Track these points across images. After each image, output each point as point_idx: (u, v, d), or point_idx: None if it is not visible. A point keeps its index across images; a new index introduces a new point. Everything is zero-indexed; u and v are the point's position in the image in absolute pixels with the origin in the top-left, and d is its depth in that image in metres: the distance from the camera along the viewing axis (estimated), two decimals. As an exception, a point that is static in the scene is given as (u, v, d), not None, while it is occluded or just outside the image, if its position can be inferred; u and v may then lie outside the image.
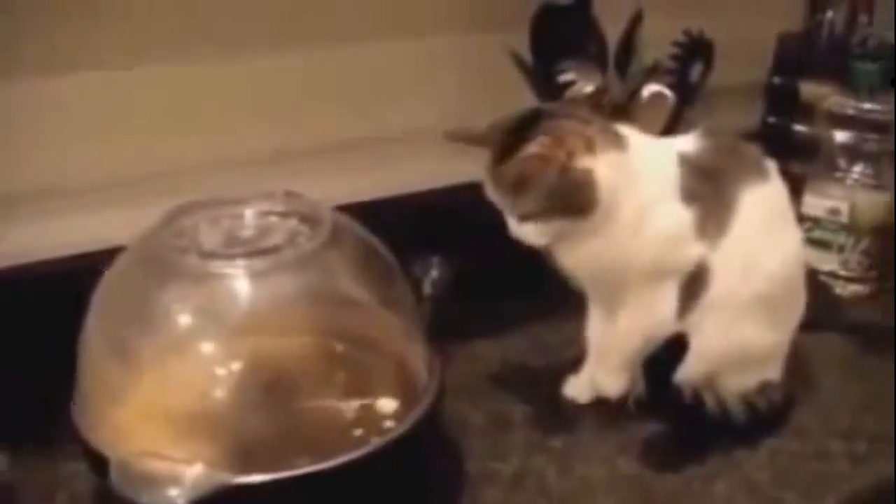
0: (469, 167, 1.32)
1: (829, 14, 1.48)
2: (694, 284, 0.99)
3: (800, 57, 1.48)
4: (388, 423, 0.87)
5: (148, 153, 1.14)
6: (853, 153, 1.31)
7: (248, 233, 0.93)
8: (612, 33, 1.28)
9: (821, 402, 1.09)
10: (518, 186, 0.95)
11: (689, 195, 0.97)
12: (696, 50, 1.29)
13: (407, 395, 0.91)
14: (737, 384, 1.03)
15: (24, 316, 1.02)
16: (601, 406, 1.08)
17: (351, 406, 0.89)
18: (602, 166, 0.94)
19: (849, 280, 1.33)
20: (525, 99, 1.27)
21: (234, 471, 0.78)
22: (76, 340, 0.89)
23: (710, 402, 1.02)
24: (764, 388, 1.04)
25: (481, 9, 1.31)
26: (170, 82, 1.14)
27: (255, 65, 1.19)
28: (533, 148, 0.92)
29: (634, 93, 1.25)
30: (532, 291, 1.30)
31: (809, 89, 1.41)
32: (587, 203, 0.94)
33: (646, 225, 0.96)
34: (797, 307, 1.05)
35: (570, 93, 1.23)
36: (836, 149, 1.31)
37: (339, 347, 0.93)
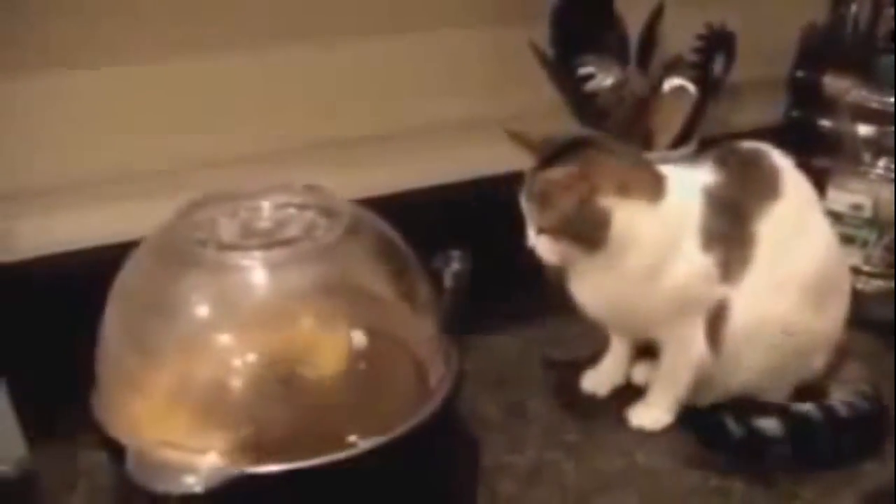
0: (489, 161, 1.33)
1: (854, 7, 1.46)
2: (716, 319, 0.99)
3: (823, 50, 1.46)
4: (407, 415, 0.86)
5: (166, 147, 1.15)
6: (877, 147, 1.29)
7: (265, 225, 0.93)
8: (634, 26, 1.28)
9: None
10: (542, 200, 0.96)
11: (711, 238, 0.97)
12: (719, 43, 1.28)
13: (424, 388, 0.91)
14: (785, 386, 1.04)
15: (43, 308, 1.02)
16: (619, 399, 1.08)
17: (366, 397, 0.89)
18: (625, 211, 0.94)
19: (872, 276, 1.31)
20: (546, 92, 1.27)
21: (249, 461, 0.79)
22: (95, 332, 0.89)
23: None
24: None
25: (502, 1, 1.31)
26: (184, 77, 1.15)
27: (275, 59, 1.19)
28: (558, 173, 0.94)
29: (656, 86, 1.25)
30: (551, 285, 1.30)
31: (833, 83, 1.40)
32: (597, 239, 0.95)
33: (663, 273, 0.96)
34: (841, 293, 1.05)
35: (589, 86, 1.23)
36: (859, 143, 1.30)
37: (356, 339, 0.93)
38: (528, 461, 0.98)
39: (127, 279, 0.90)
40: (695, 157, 1.04)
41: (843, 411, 1.00)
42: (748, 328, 0.99)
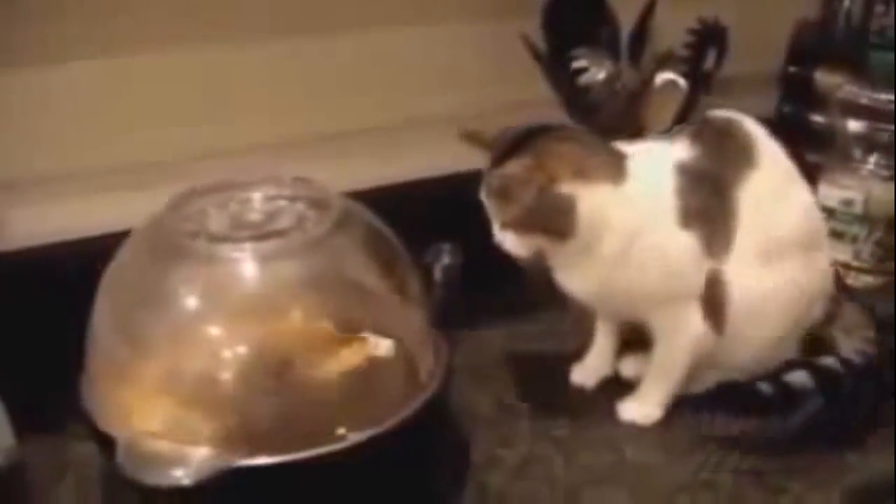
0: (481, 155, 1.33)
1: (846, 2, 1.47)
2: (714, 297, 0.99)
3: (815, 46, 1.47)
4: (396, 408, 0.87)
5: (157, 139, 1.14)
6: (868, 143, 1.30)
7: (255, 217, 0.93)
8: (626, 20, 1.28)
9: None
10: (501, 195, 0.96)
11: (690, 216, 0.96)
12: (710, 38, 1.29)
13: (413, 381, 0.91)
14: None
15: (33, 298, 1.02)
16: (609, 393, 1.08)
17: (356, 390, 0.89)
18: (589, 195, 0.93)
19: (861, 271, 1.32)
20: (539, 86, 1.27)
21: (239, 453, 0.79)
22: (85, 323, 0.89)
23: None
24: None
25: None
26: (180, 69, 1.15)
27: (266, 52, 1.19)
28: (513, 166, 0.93)
29: (647, 80, 1.25)
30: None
31: (825, 78, 1.40)
32: (565, 227, 0.94)
33: (644, 254, 0.96)
34: (824, 245, 1.07)
35: (582, 80, 1.23)
36: (850, 139, 1.30)
37: (347, 333, 0.93)
38: (518, 455, 0.98)
39: (117, 270, 0.90)
40: (671, 135, 1.03)
41: (858, 360, 1.02)
42: (748, 300, 0.99)
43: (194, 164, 1.12)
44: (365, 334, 0.92)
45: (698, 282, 0.98)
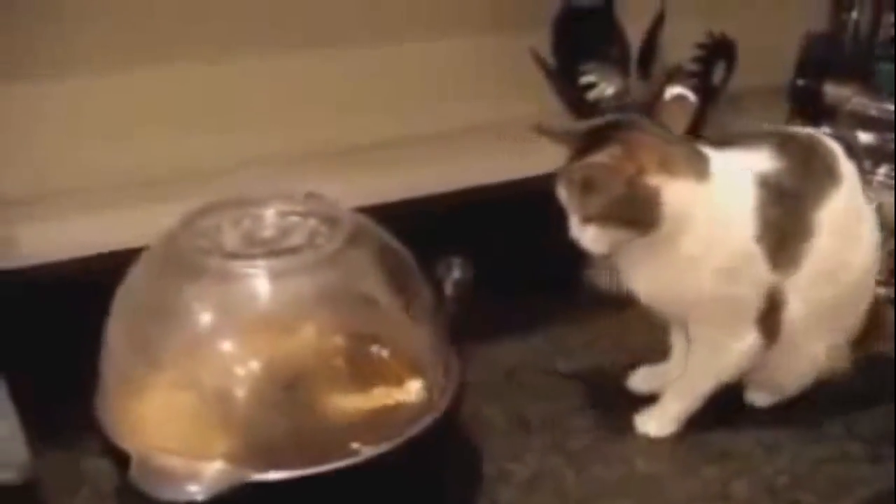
0: (492, 169, 1.34)
1: (854, 15, 1.47)
2: (771, 313, 0.98)
3: (824, 58, 1.47)
4: (408, 423, 0.87)
5: (168, 155, 1.15)
6: (878, 154, 1.30)
7: (268, 233, 0.93)
8: (635, 35, 1.29)
9: (842, 404, 1.08)
10: (585, 187, 0.94)
11: (765, 230, 0.95)
12: (719, 52, 1.29)
13: (425, 396, 0.91)
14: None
15: (48, 314, 1.03)
16: (620, 407, 1.08)
17: (369, 406, 0.89)
18: (673, 188, 0.92)
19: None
20: (549, 100, 1.27)
21: (252, 468, 0.79)
22: (99, 339, 0.90)
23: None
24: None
25: (504, 10, 1.31)
26: (193, 83, 1.15)
27: (277, 66, 1.20)
28: (603, 157, 0.91)
29: (657, 95, 1.25)
30: (554, 293, 1.31)
31: (833, 91, 1.41)
32: (650, 219, 0.93)
33: (715, 261, 0.95)
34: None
35: (591, 94, 1.24)
36: (860, 150, 1.30)
37: (358, 348, 0.93)
38: (529, 469, 0.98)
39: (131, 286, 0.91)
40: (748, 142, 1.00)
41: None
42: (806, 315, 0.99)
43: (207, 179, 1.13)
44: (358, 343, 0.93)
45: (759, 297, 0.97)
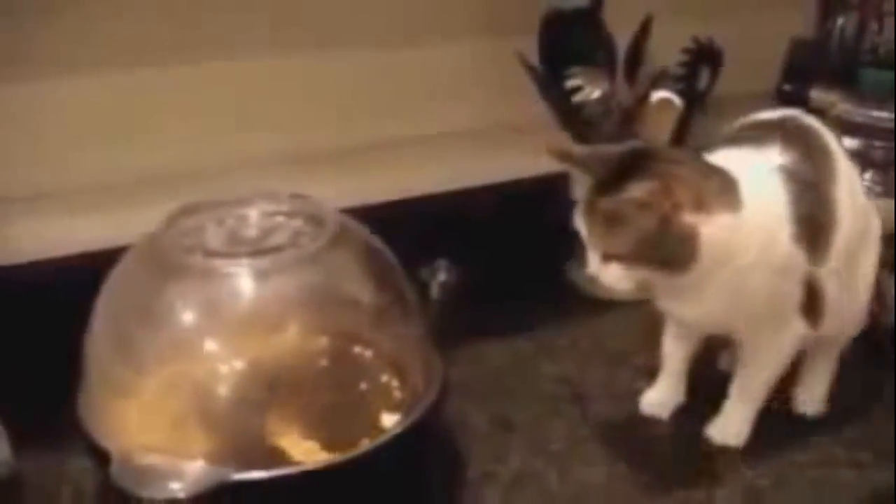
0: (481, 172, 1.34)
1: (840, 21, 1.48)
2: (813, 299, 0.96)
3: (810, 64, 1.48)
4: (389, 424, 0.88)
5: (154, 155, 1.15)
6: (862, 160, 1.30)
7: (252, 233, 0.93)
8: (621, 39, 1.29)
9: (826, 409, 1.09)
10: (610, 222, 0.87)
11: (801, 227, 0.91)
12: (705, 57, 1.29)
13: (408, 397, 0.92)
14: None
15: (30, 313, 1.03)
16: (604, 408, 1.09)
17: (351, 405, 0.90)
18: (710, 225, 0.87)
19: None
20: (535, 104, 1.28)
21: (234, 467, 0.79)
22: (82, 338, 0.90)
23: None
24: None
25: (492, 14, 1.32)
26: (179, 85, 1.16)
27: (269, 69, 1.20)
28: (638, 191, 0.85)
29: (643, 99, 1.25)
30: (538, 296, 1.31)
31: (819, 96, 1.41)
32: (684, 260, 0.87)
33: (759, 279, 0.91)
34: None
35: (577, 98, 1.24)
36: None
37: (341, 347, 0.94)
38: (512, 470, 0.98)
39: (115, 285, 0.91)
40: (752, 140, 0.97)
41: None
42: (841, 293, 0.98)
43: (192, 180, 1.13)
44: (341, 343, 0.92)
45: (801, 289, 0.94)
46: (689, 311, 0.97)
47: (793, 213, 0.91)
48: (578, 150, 0.97)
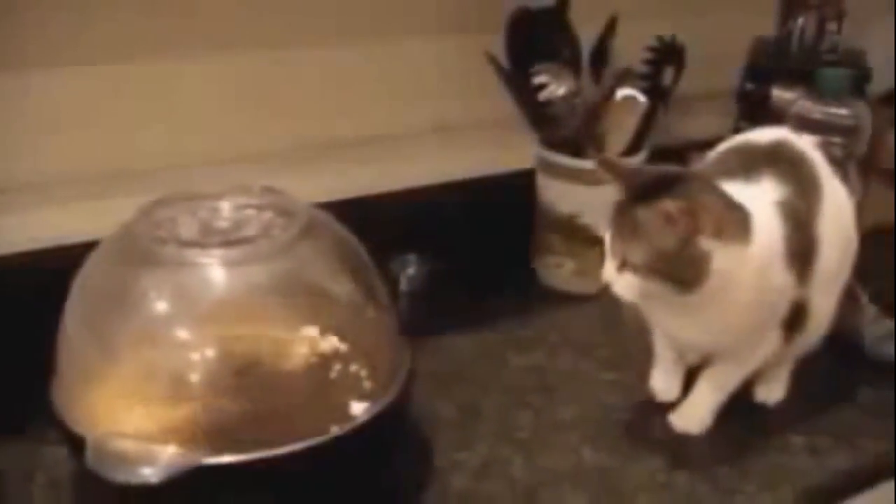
0: (451, 167, 1.36)
1: (800, 21, 1.51)
2: (795, 318, 1.00)
3: (771, 63, 1.51)
4: (358, 412, 0.89)
5: (128, 148, 1.16)
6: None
7: (224, 224, 0.94)
8: (587, 37, 1.31)
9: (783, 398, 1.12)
10: (636, 232, 0.91)
11: (792, 257, 0.96)
12: (669, 55, 1.31)
13: (377, 386, 0.93)
14: None
15: (5, 304, 1.04)
16: (569, 397, 1.11)
17: (320, 394, 0.91)
18: (722, 255, 0.90)
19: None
20: (501, 100, 1.30)
21: (205, 452, 0.80)
22: (55, 327, 0.91)
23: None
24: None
25: (458, 11, 1.33)
26: (156, 78, 1.16)
27: (243, 64, 1.21)
28: (669, 206, 0.89)
29: (607, 96, 1.27)
30: (505, 289, 1.33)
31: (780, 94, 1.44)
32: (693, 280, 0.91)
33: (754, 307, 0.96)
34: None
35: (543, 95, 1.26)
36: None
37: (312, 336, 0.95)
38: (480, 458, 1.00)
39: (88, 274, 0.92)
40: (741, 163, 1.01)
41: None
42: (819, 315, 1.03)
43: (165, 173, 1.14)
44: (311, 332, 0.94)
45: (786, 308, 0.99)
46: (683, 334, 1.02)
47: (786, 249, 0.96)
48: (624, 163, 1.01)
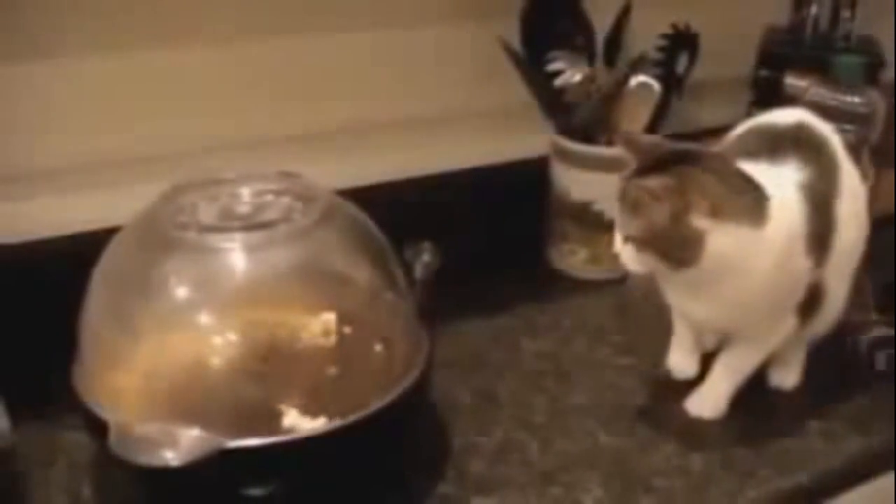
0: (464, 155, 1.36)
1: (814, 9, 1.51)
2: (811, 300, 1.01)
3: (784, 50, 1.51)
4: (376, 397, 0.89)
5: (149, 135, 1.16)
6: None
7: (244, 209, 0.95)
8: (601, 25, 1.31)
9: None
10: (632, 207, 0.93)
11: (812, 241, 0.96)
12: (683, 43, 1.32)
13: (396, 370, 0.93)
14: None
15: (29, 289, 1.05)
16: (584, 382, 1.12)
17: (339, 378, 0.92)
18: (722, 234, 0.90)
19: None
20: (516, 88, 1.30)
21: (228, 435, 0.80)
22: (78, 312, 0.91)
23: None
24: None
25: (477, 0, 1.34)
26: (175, 65, 1.16)
27: (257, 52, 1.21)
28: (653, 182, 0.90)
29: (622, 83, 1.28)
30: (520, 276, 1.34)
31: (793, 82, 1.44)
32: (686, 258, 0.91)
33: (769, 291, 0.96)
34: None
35: (558, 81, 1.26)
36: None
37: (331, 321, 0.95)
38: (496, 441, 1.01)
39: (110, 260, 0.92)
40: (764, 145, 1.01)
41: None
42: (834, 299, 1.03)
43: (187, 159, 1.14)
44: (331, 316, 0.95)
45: (802, 292, 0.99)
46: (696, 311, 1.02)
47: (806, 231, 0.96)
48: (644, 138, 1.01)
